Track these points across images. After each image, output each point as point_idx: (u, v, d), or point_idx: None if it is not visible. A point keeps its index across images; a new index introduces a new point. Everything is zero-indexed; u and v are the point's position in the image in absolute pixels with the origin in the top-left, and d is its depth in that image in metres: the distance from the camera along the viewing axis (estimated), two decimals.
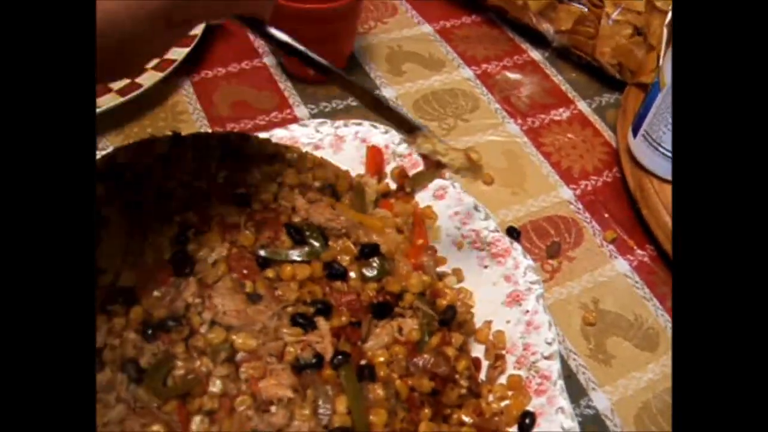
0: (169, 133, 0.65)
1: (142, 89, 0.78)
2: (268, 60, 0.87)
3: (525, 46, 0.93)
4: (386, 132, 0.72)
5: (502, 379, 0.58)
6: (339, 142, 0.72)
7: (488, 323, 0.61)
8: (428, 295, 0.59)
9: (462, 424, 0.54)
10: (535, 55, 0.92)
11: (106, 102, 0.77)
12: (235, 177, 0.63)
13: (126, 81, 0.80)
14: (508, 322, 0.61)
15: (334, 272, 0.58)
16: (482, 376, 0.59)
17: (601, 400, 0.62)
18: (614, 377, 0.64)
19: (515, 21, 0.93)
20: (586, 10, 0.85)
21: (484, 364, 0.60)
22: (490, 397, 0.57)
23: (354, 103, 0.82)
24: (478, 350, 0.60)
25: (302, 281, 0.57)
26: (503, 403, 0.56)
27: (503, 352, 0.59)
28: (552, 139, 0.82)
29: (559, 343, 0.59)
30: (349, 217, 0.62)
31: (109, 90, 0.79)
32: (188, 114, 0.80)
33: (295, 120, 0.78)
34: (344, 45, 0.84)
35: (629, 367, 0.65)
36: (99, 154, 0.66)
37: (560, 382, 0.56)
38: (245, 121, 0.79)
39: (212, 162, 0.64)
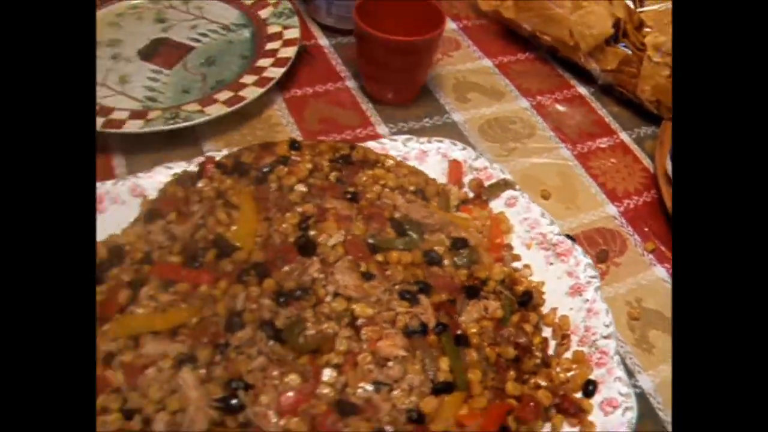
0: (285, 140, 0.76)
1: (245, 101, 0.90)
2: (350, 83, 0.99)
3: (573, 82, 1.05)
4: (464, 149, 0.84)
5: (568, 355, 0.69)
6: (423, 155, 0.83)
7: (554, 310, 0.72)
8: (507, 282, 0.70)
9: (538, 387, 0.65)
10: (582, 90, 1.04)
11: (214, 111, 0.88)
12: (345, 178, 0.74)
13: (231, 93, 0.91)
14: (571, 309, 0.72)
15: (432, 259, 0.69)
16: (550, 352, 0.70)
17: (645, 382, 0.73)
18: (656, 363, 0.75)
19: (565, 59, 1.06)
20: (630, 52, 0.98)
21: (552, 343, 0.71)
22: (558, 369, 0.68)
23: (428, 124, 0.94)
24: (546, 332, 0.71)
25: (406, 265, 0.68)
26: (569, 374, 0.67)
27: (568, 332, 0.70)
28: (598, 163, 0.94)
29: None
30: (440, 216, 0.73)
31: (215, 101, 0.91)
32: (282, 126, 0.92)
33: (377, 137, 0.89)
34: (422, 74, 0.96)
35: (668, 356, 0.75)
36: (201, 159, 0.77)
37: (617, 357, 0.67)
38: (333, 135, 0.91)
39: (324, 164, 0.75)
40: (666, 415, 0.70)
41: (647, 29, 0.95)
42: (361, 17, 0.89)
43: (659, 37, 0.93)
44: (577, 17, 0.98)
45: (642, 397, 0.71)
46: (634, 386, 0.72)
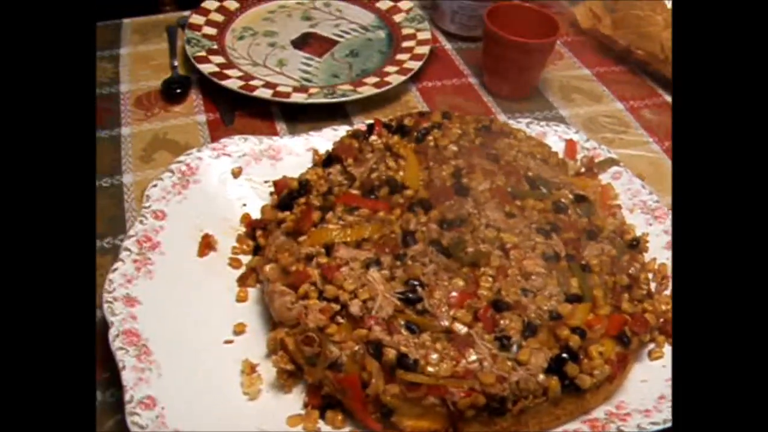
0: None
1: (390, 86, 1.08)
2: (473, 80, 1.17)
3: (661, 91, 1.22)
4: (577, 132, 1.00)
5: (667, 293, 0.84)
6: (543, 136, 1.00)
7: (654, 259, 0.87)
8: (618, 232, 0.86)
9: (645, 311, 0.80)
10: (669, 98, 1.21)
11: (365, 91, 1.06)
12: (487, 143, 0.91)
13: (377, 79, 1.09)
14: (667, 259, 0.87)
15: (559, 208, 0.85)
16: (652, 289, 0.85)
17: None
18: None
19: (655, 72, 1.23)
20: None
21: (653, 285, 0.86)
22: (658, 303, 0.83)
23: (539, 117, 1.11)
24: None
25: (539, 210, 0.84)
26: (668, 306, 0.82)
27: (666, 275, 0.86)
28: None
29: None
30: (564, 177, 0.90)
31: (365, 84, 1.09)
32: (418, 109, 1.09)
33: None
34: (536, 74, 1.14)
35: None
36: (362, 124, 0.94)
37: None
38: None
39: (471, 131, 0.92)
40: None
41: None
42: (491, 21, 1.07)
43: None
44: (668, 34, 1.15)
45: None
46: None
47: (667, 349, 0.79)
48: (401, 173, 0.86)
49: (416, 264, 0.76)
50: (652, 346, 0.79)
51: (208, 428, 0.67)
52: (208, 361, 0.74)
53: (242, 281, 0.83)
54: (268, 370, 0.74)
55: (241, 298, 0.81)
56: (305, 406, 0.72)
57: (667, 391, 0.73)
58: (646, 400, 0.73)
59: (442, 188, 0.84)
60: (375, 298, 0.73)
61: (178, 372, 0.71)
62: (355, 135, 0.92)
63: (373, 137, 0.91)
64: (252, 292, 0.82)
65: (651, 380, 0.76)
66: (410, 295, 0.73)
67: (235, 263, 0.85)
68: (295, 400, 0.73)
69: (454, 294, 0.74)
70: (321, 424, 0.71)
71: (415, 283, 0.74)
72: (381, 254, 0.77)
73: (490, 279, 0.76)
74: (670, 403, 0.71)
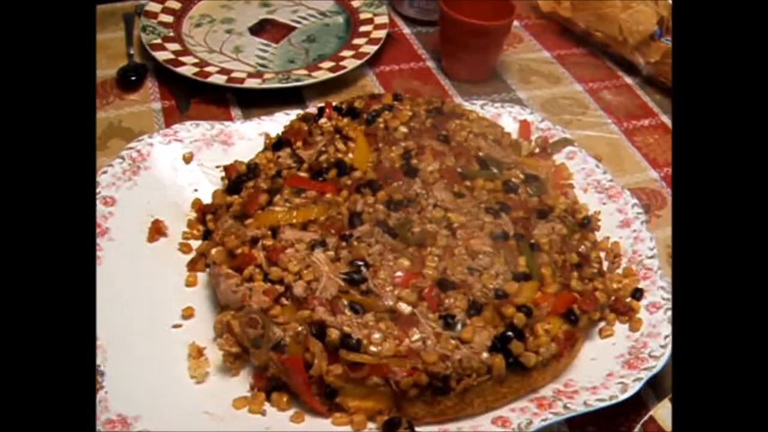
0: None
1: (346, 70, 1.07)
2: (430, 64, 1.17)
3: (620, 73, 1.22)
4: (531, 113, 1.00)
5: (619, 271, 0.84)
6: (497, 117, 1.00)
7: (607, 238, 0.87)
8: (569, 210, 0.86)
9: (595, 289, 0.80)
10: (629, 80, 1.20)
11: (320, 75, 1.06)
12: (438, 124, 0.91)
13: (332, 63, 1.09)
14: (620, 237, 0.87)
15: (510, 187, 0.85)
16: (604, 268, 0.85)
17: None
18: None
19: (614, 54, 1.22)
20: (671, 45, 1.14)
21: (605, 264, 0.86)
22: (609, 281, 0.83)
23: (497, 99, 1.10)
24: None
25: (489, 190, 0.84)
26: (620, 284, 0.82)
27: (619, 254, 0.85)
28: (642, 138, 1.09)
29: None
30: (515, 158, 0.89)
31: (320, 68, 1.08)
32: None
33: None
34: (493, 56, 1.14)
35: None
36: (314, 107, 0.94)
37: (660, 272, 0.82)
38: None
39: (422, 113, 0.92)
40: None
41: None
42: (447, 5, 1.07)
43: None
44: (626, 15, 1.15)
45: None
46: None
47: (618, 327, 0.78)
48: (350, 155, 0.86)
49: (362, 245, 0.76)
50: (602, 324, 0.78)
51: (153, 411, 0.66)
52: (155, 346, 0.74)
53: (191, 266, 0.82)
54: (215, 354, 0.74)
55: (190, 283, 0.81)
56: (251, 388, 0.72)
57: (616, 369, 0.73)
58: (594, 377, 0.73)
59: (391, 169, 0.84)
60: (319, 279, 0.73)
61: (124, 357, 0.71)
62: (305, 118, 0.92)
63: (323, 120, 0.91)
64: (201, 276, 0.82)
65: (600, 358, 0.76)
66: (354, 276, 0.73)
67: (185, 248, 0.84)
68: (241, 383, 0.73)
69: (399, 274, 0.74)
70: (267, 406, 0.71)
71: (360, 263, 0.74)
72: (327, 236, 0.77)
73: (436, 259, 0.75)
74: (617, 380, 0.71)
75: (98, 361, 0.69)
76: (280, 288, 0.72)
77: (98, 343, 0.70)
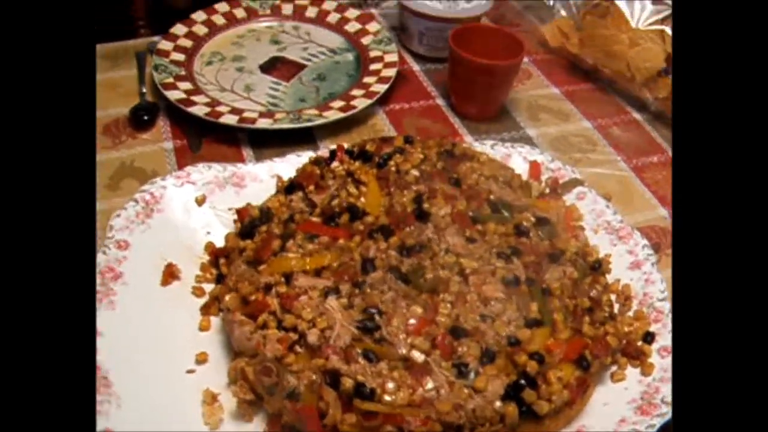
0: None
1: (356, 110, 1.08)
2: (440, 101, 1.18)
3: (629, 108, 1.23)
4: (542, 153, 1.01)
5: (630, 314, 0.84)
6: (507, 158, 1.00)
7: (618, 280, 0.88)
8: (581, 254, 0.86)
9: (606, 333, 0.80)
10: (637, 116, 1.21)
11: (330, 115, 1.07)
12: (449, 167, 0.91)
13: (343, 102, 1.10)
14: (631, 279, 0.87)
15: (521, 231, 0.85)
16: (615, 311, 0.85)
17: None
18: None
19: (622, 90, 1.23)
20: None
21: (616, 306, 0.86)
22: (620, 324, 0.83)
23: (507, 137, 1.11)
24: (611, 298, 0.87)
25: (500, 235, 0.84)
26: (632, 327, 0.82)
27: (630, 296, 0.86)
28: (651, 174, 1.10)
29: None
30: (526, 200, 0.90)
31: (331, 108, 1.09)
32: (384, 133, 1.09)
33: None
34: (502, 94, 1.14)
35: None
36: (325, 150, 0.95)
37: (671, 315, 0.82)
38: None
39: (433, 156, 0.93)
40: None
41: None
42: (456, 43, 1.07)
43: None
44: (633, 53, 1.16)
45: None
46: None
47: (629, 371, 0.79)
48: (362, 199, 0.86)
49: (374, 292, 0.76)
50: (614, 368, 0.79)
51: None
52: (169, 392, 0.74)
53: (205, 310, 0.83)
54: (229, 400, 0.74)
55: (203, 327, 0.81)
56: None
57: (629, 414, 0.73)
58: (607, 424, 0.73)
59: (403, 214, 0.84)
60: (333, 326, 0.73)
61: (138, 403, 0.71)
62: (317, 162, 0.92)
63: (335, 163, 0.92)
64: (215, 321, 0.82)
65: (612, 403, 0.76)
66: (368, 324, 0.73)
67: (198, 292, 0.85)
68: (256, 430, 0.73)
69: (412, 321, 0.74)
70: None
71: (373, 311, 0.74)
72: (340, 282, 0.77)
73: (449, 305, 0.76)
74: (630, 427, 0.71)
75: (111, 409, 0.69)
76: (294, 336, 0.73)
77: (111, 390, 0.70)
